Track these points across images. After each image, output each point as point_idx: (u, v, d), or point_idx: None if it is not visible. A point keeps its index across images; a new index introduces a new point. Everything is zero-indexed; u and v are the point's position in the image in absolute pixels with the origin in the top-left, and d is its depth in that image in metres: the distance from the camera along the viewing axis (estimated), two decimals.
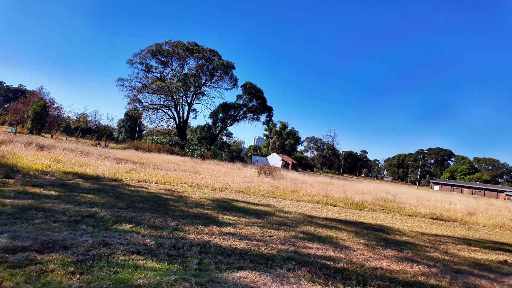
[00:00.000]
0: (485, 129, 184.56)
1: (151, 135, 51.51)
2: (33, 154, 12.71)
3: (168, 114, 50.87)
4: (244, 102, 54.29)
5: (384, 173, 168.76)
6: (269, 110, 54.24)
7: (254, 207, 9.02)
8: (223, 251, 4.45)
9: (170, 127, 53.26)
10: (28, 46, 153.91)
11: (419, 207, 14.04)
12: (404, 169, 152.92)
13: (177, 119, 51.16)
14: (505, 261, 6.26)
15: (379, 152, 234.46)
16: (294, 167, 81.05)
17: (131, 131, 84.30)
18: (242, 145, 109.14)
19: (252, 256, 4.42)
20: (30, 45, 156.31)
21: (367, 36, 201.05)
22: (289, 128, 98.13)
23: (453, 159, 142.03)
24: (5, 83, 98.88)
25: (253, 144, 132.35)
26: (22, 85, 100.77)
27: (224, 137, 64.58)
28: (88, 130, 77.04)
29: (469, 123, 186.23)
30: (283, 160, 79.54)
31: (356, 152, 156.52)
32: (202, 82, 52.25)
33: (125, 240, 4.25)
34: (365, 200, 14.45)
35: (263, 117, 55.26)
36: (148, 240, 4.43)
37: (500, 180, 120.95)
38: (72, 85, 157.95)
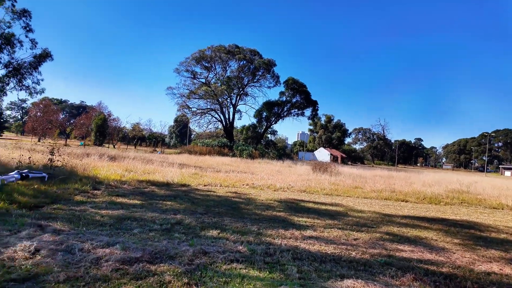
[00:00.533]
0: None
1: (200, 138, 53.60)
2: (107, 165, 13.88)
3: (215, 117, 52.55)
4: (288, 98, 53.90)
5: (443, 160, 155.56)
6: (313, 104, 53.15)
7: (323, 207, 8.78)
8: (315, 257, 4.32)
9: (217, 130, 54.91)
10: (85, 65, 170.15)
11: (503, 198, 12.55)
12: (467, 155, 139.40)
13: (223, 121, 52.58)
14: None
15: (436, 139, 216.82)
16: (343, 161, 78.36)
17: (181, 136, 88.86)
18: (286, 141, 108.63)
19: (347, 262, 4.22)
20: (88, 64, 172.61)
21: (416, 18, 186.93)
22: (335, 121, 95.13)
23: None
24: (69, 100, 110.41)
25: (296, 139, 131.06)
26: (83, 101, 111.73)
27: (269, 135, 64.80)
28: (143, 138, 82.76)
29: None
30: (331, 154, 77.41)
31: (410, 141, 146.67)
32: (245, 83, 52.98)
33: (220, 248, 4.33)
34: (437, 193, 13.33)
35: (308, 112, 54.39)
36: (240, 247, 4.47)
37: None
38: (127, 98, 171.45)
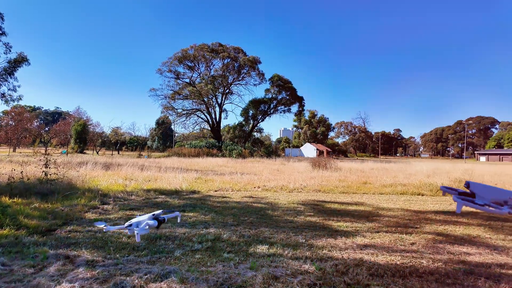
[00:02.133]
0: None
1: (187, 140, 52.31)
2: (103, 174, 12.89)
3: (202, 118, 51.48)
4: (273, 95, 53.63)
5: (421, 149, 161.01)
6: (300, 100, 53.15)
7: (350, 207, 8.37)
8: (391, 271, 3.84)
9: (204, 130, 53.82)
10: (60, 69, 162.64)
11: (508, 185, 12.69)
12: (443, 143, 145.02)
13: (210, 121, 51.56)
14: None
15: (414, 129, 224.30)
16: (328, 155, 79.18)
17: (163, 138, 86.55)
18: (270, 138, 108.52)
19: (427, 275, 3.77)
20: (62, 68, 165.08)
21: (392, 16, 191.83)
22: (318, 116, 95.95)
23: (497, 126, 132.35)
24: (43, 107, 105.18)
25: (279, 136, 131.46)
26: (58, 107, 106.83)
27: (255, 133, 64.29)
28: (124, 143, 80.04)
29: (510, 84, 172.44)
30: (317, 149, 77.99)
31: (390, 132, 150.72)
32: (230, 81, 52.16)
33: (286, 270, 3.77)
34: (447, 184, 13.30)
35: (294, 108, 54.38)
36: (307, 266, 3.93)
37: None
38: (108, 102, 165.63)
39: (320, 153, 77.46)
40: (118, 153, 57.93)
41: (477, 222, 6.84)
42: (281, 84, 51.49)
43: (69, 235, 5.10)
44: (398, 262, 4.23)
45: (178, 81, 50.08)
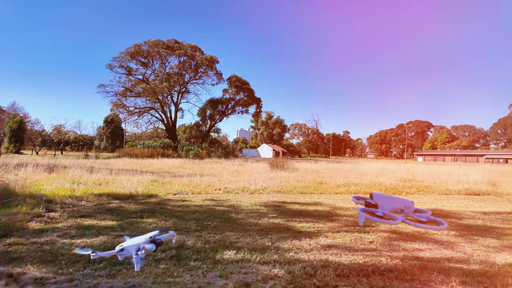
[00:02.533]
0: (460, 98, 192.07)
1: (140, 140, 49.74)
2: (47, 177, 11.69)
3: (156, 117, 49.33)
4: (231, 95, 53.48)
5: (367, 150, 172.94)
6: (257, 102, 53.68)
7: (310, 208, 8.63)
8: (356, 271, 4.02)
9: (159, 130, 51.67)
10: None
11: (449, 183, 14.16)
12: (387, 145, 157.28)
13: (165, 120, 49.68)
14: None
15: (362, 131, 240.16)
16: (284, 155, 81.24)
17: (113, 137, 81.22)
18: (228, 139, 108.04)
19: (388, 272, 4.01)
20: None
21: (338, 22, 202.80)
22: (275, 117, 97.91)
23: (432, 129, 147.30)
24: None
25: (236, 137, 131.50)
26: None
27: (213, 134, 63.49)
28: (68, 142, 73.49)
29: (444, 92, 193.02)
30: (273, 150, 79.50)
31: (339, 133, 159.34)
32: (187, 80, 50.85)
33: (256, 276, 3.73)
34: (393, 183, 14.41)
35: (252, 109, 54.82)
36: (276, 270, 3.93)
37: (477, 145, 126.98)
38: (50, 98, 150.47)
39: (277, 153, 79.13)
40: (62, 154, 53.07)
41: None
42: (239, 85, 51.55)
43: (10, 248, 4.50)
44: (360, 261, 4.44)
45: (130, 77, 47.47)
